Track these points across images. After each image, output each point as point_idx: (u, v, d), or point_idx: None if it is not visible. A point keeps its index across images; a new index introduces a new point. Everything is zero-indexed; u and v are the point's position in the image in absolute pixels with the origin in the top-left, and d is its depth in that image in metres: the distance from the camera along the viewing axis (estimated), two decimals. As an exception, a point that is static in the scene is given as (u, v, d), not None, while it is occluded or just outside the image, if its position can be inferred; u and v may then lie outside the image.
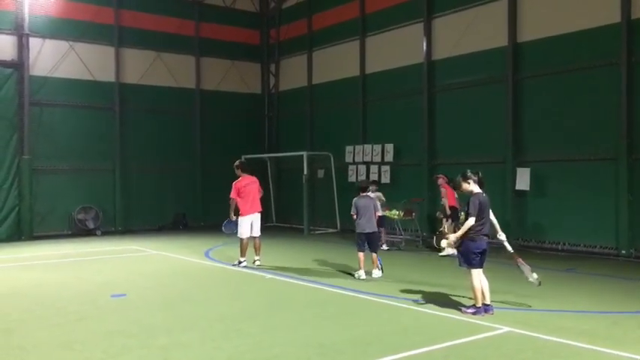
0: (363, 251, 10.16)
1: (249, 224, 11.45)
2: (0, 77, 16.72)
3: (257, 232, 11.57)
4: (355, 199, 10.39)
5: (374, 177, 17.56)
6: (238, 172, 11.66)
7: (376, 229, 10.30)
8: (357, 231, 10.25)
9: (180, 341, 6.41)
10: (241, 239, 11.42)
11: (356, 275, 10.14)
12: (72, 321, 7.35)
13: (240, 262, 11.45)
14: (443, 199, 13.41)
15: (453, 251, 12.63)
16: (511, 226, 14.06)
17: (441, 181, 13.44)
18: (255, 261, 11.47)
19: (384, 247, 13.61)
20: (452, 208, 13.00)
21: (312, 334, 6.73)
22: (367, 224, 10.12)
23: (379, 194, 13.47)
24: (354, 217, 10.27)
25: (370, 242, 10.21)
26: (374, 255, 10.26)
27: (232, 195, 11.38)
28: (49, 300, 8.61)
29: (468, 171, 7.74)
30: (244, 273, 10.90)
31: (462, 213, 7.65)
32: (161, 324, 7.18)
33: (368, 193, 10.55)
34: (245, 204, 11.42)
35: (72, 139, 18.00)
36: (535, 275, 8.03)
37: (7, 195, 16.73)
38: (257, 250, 11.55)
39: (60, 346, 6.28)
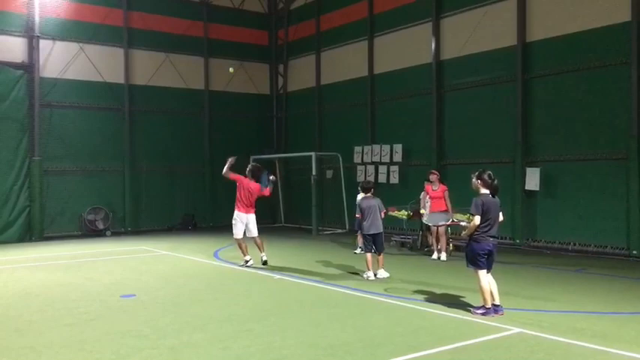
0: (370, 252, 10.17)
1: (244, 225, 11.50)
2: (11, 79, 16.85)
3: (254, 233, 11.56)
4: (359, 200, 10.42)
5: (382, 177, 17.58)
6: (249, 175, 11.76)
7: (381, 230, 10.21)
8: (363, 232, 10.27)
9: (189, 342, 6.42)
10: (236, 239, 11.54)
11: (364, 276, 10.13)
12: (82, 321, 7.39)
13: (246, 262, 11.49)
14: (427, 202, 12.56)
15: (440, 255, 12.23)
16: (521, 227, 14.04)
17: (434, 177, 12.63)
18: (262, 258, 11.51)
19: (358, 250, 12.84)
20: (443, 213, 12.39)
21: (321, 334, 6.72)
22: (372, 225, 10.09)
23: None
24: (359, 218, 10.26)
25: (376, 243, 10.17)
26: (380, 256, 10.24)
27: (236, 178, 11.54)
28: (59, 300, 8.66)
29: (487, 172, 7.59)
30: (253, 273, 10.92)
31: (469, 215, 7.58)
32: (171, 324, 7.19)
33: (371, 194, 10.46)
34: (238, 202, 11.53)
35: (82, 140, 18.12)
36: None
37: (17, 196, 16.85)
38: (260, 248, 11.59)
39: (71, 346, 6.31)
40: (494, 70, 14.97)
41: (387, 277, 10.08)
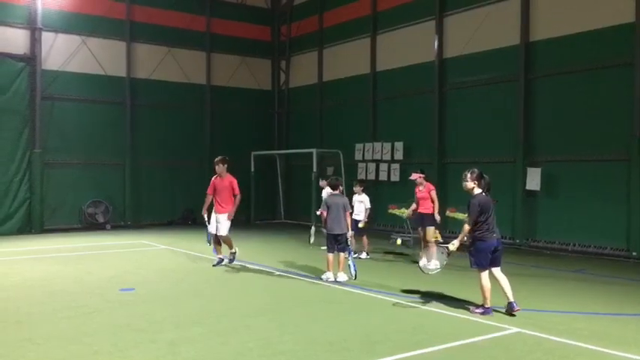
0: (332, 252, 9.66)
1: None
2: (12, 71, 16.82)
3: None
4: (326, 197, 10.14)
5: (383, 175, 17.57)
6: (225, 167, 11.06)
7: (345, 231, 9.60)
8: (327, 232, 9.73)
9: (188, 336, 6.42)
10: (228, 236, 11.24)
11: (323, 278, 9.71)
12: (81, 314, 7.39)
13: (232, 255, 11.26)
14: (417, 205, 11.54)
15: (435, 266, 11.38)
16: (521, 227, 14.02)
17: (421, 179, 11.57)
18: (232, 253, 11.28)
19: (363, 255, 12.18)
20: (429, 215, 11.43)
21: (319, 331, 6.72)
22: (335, 225, 9.56)
23: (364, 197, 12.16)
24: (324, 215, 9.71)
25: (339, 243, 9.65)
26: (341, 255, 9.68)
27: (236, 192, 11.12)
28: (58, 293, 8.66)
29: (480, 171, 7.61)
30: (252, 269, 10.91)
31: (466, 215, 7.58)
32: (169, 318, 7.19)
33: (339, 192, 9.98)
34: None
35: (83, 133, 18.10)
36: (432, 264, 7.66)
37: (18, 188, 16.84)
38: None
39: (69, 339, 6.30)
40: (496, 70, 14.94)
41: (346, 280, 9.56)
